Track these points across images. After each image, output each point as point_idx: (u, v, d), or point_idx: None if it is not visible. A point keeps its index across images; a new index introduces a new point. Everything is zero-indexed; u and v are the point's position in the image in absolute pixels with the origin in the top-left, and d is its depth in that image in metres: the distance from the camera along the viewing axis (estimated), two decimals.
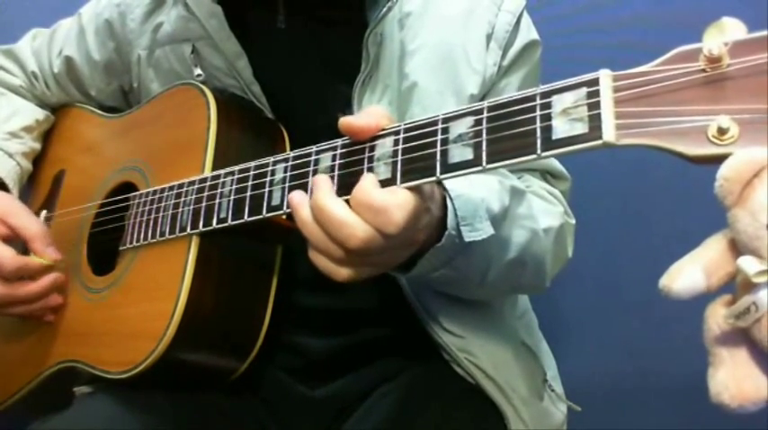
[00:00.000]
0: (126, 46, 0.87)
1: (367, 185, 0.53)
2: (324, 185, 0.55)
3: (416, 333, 0.76)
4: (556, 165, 0.83)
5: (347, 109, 0.75)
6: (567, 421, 0.83)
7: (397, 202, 0.52)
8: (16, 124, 0.92)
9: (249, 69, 0.78)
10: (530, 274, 0.73)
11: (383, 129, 0.56)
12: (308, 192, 0.58)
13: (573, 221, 0.80)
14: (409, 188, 0.53)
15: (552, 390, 0.81)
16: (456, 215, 0.60)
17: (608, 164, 1.14)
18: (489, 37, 0.77)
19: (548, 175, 0.82)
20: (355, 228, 0.52)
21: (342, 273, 0.55)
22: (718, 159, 0.40)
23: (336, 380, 0.80)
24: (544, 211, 0.74)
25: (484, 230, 0.62)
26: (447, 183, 0.61)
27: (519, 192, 0.70)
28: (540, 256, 0.72)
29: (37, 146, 0.95)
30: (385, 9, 0.72)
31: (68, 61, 0.93)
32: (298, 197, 0.57)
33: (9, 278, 0.78)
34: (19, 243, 0.81)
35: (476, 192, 0.62)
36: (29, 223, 0.81)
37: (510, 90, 0.78)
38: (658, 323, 1.11)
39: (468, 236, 0.61)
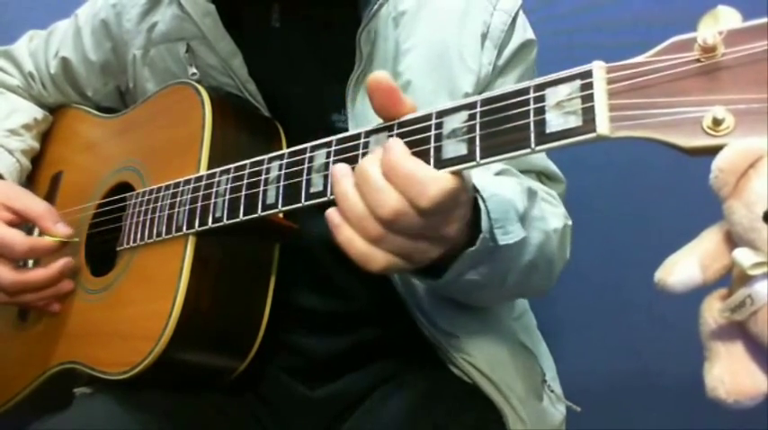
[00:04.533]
0: (122, 46, 0.87)
1: (400, 152, 0.51)
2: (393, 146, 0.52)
3: (415, 333, 0.75)
4: (551, 167, 0.83)
5: (342, 109, 0.75)
6: (567, 421, 0.82)
7: (435, 176, 0.50)
8: (16, 122, 0.92)
9: (244, 68, 0.77)
10: (540, 277, 0.72)
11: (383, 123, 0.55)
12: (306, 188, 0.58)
13: (570, 223, 0.80)
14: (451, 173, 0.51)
15: (551, 391, 0.81)
16: (489, 217, 0.59)
17: (607, 162, 1.13)
18: (484, 36, 0.77)
19: (543, 177, 0.82)
20: (390, 194, 0.50)
21: (377, 257, 0.52)
22: (714, 151, 0.39)
23: (336, 381, 0.80)
24: (550, 213, 0.73)
25: (516, 233, 0.61)
26: (477, 183, 0.59)
27: (533, 194, 0.69)
28: (550, 258, 0.71)
29: (36, 145, 0.95)
30: (376, 6, 0.72)
31: (65, 62, 0.93)
32: (341, 169, 0.54)
33: (21, 259, 0.77)
34: (26, 228, 0.80)
35: (505, 193, 0.61)
36: (33, 204, 0.81)
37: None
38: (658, 323, 1.10)
39: (502, 239, 0.60)
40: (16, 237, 0.77)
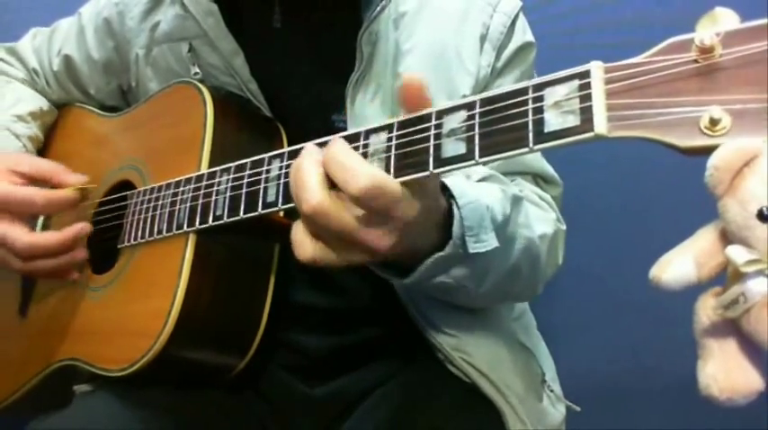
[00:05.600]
0: (125, 45, 0.88)
1: (341, 145, 0.54)
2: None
3: (415, 333, 0.75)
4: (548, 169, 0.83)
5: (342, 109, 0.75)
6: (566, 421, 0.82)
7: (369, 171, 0.51)
8: (23, 109, 0.92)
9: (246, 67, 0.78)
10: (523, 283, 0.73)
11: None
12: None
13: (564, 227, 0.80)
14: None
15: (551, 391, 0.81)
16: (462, 224, 0.59)
17: (606, 161, 1.13)
18: (483, 38, 0.77)
19: (539, 180, 0.82)
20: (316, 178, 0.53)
21: (305, 245, 0.55)
22: (711, 150, 0.39)
23: (336, 379, 0.80)
24: (538, 218, 0.73)
25: (488, 242, 0.61)
26: (455, 189, 0.60)
27: (518, 201, 0.69)
28: (534, 264, 0.72)
29: (41, 135, 0.95)
30: (379, 8, 0.72)
31: (68, 60, 0.94)
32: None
33: (42, 213, 0.77)
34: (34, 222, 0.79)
35: (482, 200, 0.61)
36: (41, 162, 0.80)
37: None
38: (657, 323, 1.10)
39: (473, 247, 0.60)
40: (32, 191, 0.75)
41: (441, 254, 0.59)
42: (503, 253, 0.65)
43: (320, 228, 0.54)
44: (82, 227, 0.77)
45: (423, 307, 0.74)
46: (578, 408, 0.82)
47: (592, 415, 0.83)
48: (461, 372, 0.74)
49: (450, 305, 0.74)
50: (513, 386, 0.74)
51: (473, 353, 0.74)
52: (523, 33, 0.80)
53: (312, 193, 0.52)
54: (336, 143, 0.54)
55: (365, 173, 0.50)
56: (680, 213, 1.07)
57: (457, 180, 0.62)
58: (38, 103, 0.95)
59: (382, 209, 0.52)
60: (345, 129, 0.73)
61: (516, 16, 0.79)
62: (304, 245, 0.55)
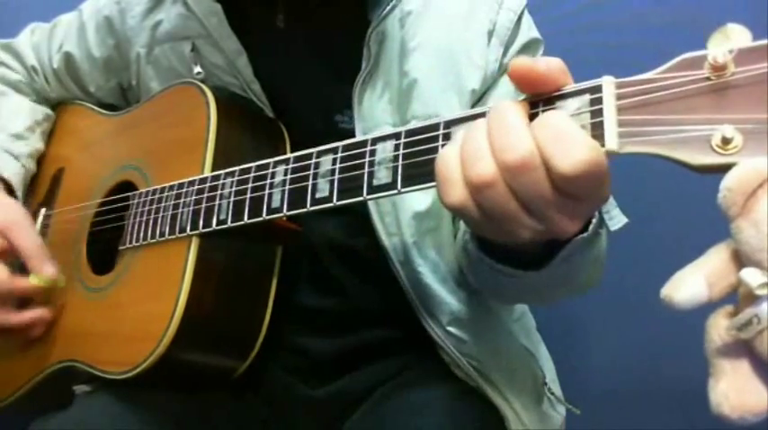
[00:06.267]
0: (125, 43, 0.87)
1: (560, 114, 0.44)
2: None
3: (417, 334, 0.76)
4: None
5: (345, 109, 0.75)
6: (566, 423, 0.83)
7: (591, 143, 0.42)
8: (19, 125, 0.91)
9: (249, 68, 0.77)
10: (597, 272, 0.67)
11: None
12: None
13: None
14: None
15: (551, 393, 0.81)
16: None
17: (610, 166, 1.13)
18: (491, 33, 0.77)
19: None
20: (525, 139, 0.43)
21: (468, 205, 0.45)
22: (722, 169, 0.39)
23: (338, 381, 0.80)
24: None
25: (619, 218, 0.60)
26: None
27: None
28: (604, 252, 0.66)
29: (41, 146, 0.94)
30: (389, 8, 0.72)
31: (68, 57, 0.93)
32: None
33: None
34: (16, 261, 0.79)
35: None
36: (28, 240, 0.79)
37: (510, 87, 0.77)
38: (658, 326, 1.11)
39: (611, 224, 0.59)
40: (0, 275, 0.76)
41: (584, 235, 0.51)
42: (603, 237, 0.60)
43: (509, 191, 0.43)
44: (42, 313, 0.80)
45: (432, 308, 0.74)
46: (578, 411, 0.82)
47: (592, 417, 0.84)
48: (464, 374, 0.75)
49: (458, 305, 0.75)
50: (514, 388, 0.75)
51: (478, 357, 0.75)
52: (529, 30, 0.80)
53: (523, 140, 0.42)
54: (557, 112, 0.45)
55: (585, 145, 0.42)
56: (680, 214, 1.08)
57: None
58: (34, 115, 0.94)
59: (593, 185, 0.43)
60: (349, 130, 0.74)
61: (522, 12, 0.79)
62: (467, 202, 0.45)
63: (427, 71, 0.75)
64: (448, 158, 0.46)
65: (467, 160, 0.45)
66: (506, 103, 0.46)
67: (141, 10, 0.85)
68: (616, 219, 0.59)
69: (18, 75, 0.97)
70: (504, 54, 0.77)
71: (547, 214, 0.44)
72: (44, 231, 0.88)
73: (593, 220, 0.52)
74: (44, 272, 0.78)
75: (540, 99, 0.48)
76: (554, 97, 0.47)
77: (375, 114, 0.74)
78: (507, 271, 0.56)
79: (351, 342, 0.80)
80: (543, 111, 0.47)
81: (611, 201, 0.59)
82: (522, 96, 0.49)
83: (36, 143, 0.93)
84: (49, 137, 0.97)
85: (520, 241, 0.46)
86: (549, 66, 0.46)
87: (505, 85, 0.77)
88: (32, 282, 0.77)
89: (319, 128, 0.77)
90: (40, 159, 0.95)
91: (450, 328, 0.75)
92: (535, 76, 0.46)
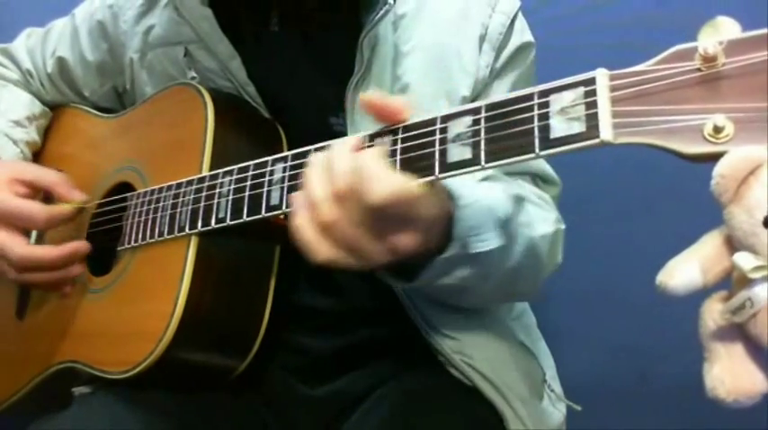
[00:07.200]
0: (119, 47, 0.88)
1: (373, 153, 0.53)
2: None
3: (413, 335, 0.76)
4: (547, 169, 0.83)
5: (339, 112, 0.76)
6: (567, 421, 0.83)
7: (392, 179, 0.50)
8: (20, 113, 0.92)
9: (243, 71, 0.78)
10: (525, 283, 0.73)
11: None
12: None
13: (563, 227, 0.80)
14: None
15: (552, 390, 0.81)
16: (463, 225, 0.60)
17: (607, 163, 1.14)
18: (482, 38, 0.77)
19: (538, 179, 0.82)
20: (343, 176, 0.52)
21: (322, 247, 0.54)
22: (714, 157, 0.40)
23: (336, 380, 0.81)
24: (539, 218, 0.74)
25: (490, 241, 0.62)
26: (457, 191, 0.60)
27: (520, 200, 0.70)
28: (536, 264, 0.72)
29: (38, 138, 0.95)
30: (382, 12, 0.72)
31: (61, 62, 0.93)
32: (316, 157, 0.56)
33: (42, 229, 0.78)
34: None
35: (483, 200, 0.62)
36: (44, 173, 0.81)
37: (501, 92, 0.78)
38: (658, 323, 1.10)
39: (477, 246, 0.61)
40: (35, 207, 0.76)
41: (444, 255, 0.59)
42: (505, 252, 0.66)
43: (347, 219, 0.52)
44: (80, 245, 0.78)
45: (422, 309, 0.75)
46: (579, 407, 0.82)
47: (592, 414, 0.84)
48: (462, 374, 0.75)
49: (450, 307, 0.75)
50: (513, 387, 0.75)
51: (473, 355, 0.75)
52: (522, 33, 0.80)
53: (342, 178, 0.51)
54: (371, 151, 0.54)
55: (388, 182, 0.50)
56: (680, 213, 1.09)
57: (457, 181, 0.61)
58: (34, 106, 0.94)
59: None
60: (344, 132, 0.74)
61: (515, 16, 0.79)
62: (318, 244, 0.54)
63: (419, 76, 0.75)
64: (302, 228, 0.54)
65: (310, 210, 0.54)
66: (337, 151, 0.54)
67: (133, 14, 0.85)
68: (488, 241, 0.63)
69: (15, 75, 0.97)
70: (496, 59, 0.78)
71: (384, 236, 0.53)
72: (39, 243, 0.88)
73: (452, 242, 0.59)
74: (73, 197, 0.79)
75: (535, 92, 0.49)
76: (548, 90, 0.48)
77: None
78: (394, 282, 0.65)
79: (350, 341, 0.80)
80: (538, 104, 0.48)
81: (488, 223, 0.62)
82: None
83: (34, 134, 0.93)
84: (47, 138, 0.97)
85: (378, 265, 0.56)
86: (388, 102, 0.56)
87: (499, 91, 0.78)
88: (65, 208, 0.77)
89: (314, 130, 0.77)
90: (38, 161, 0.96)
91: (444, 329, 0.75)
92: (378, 109, 0.56)
